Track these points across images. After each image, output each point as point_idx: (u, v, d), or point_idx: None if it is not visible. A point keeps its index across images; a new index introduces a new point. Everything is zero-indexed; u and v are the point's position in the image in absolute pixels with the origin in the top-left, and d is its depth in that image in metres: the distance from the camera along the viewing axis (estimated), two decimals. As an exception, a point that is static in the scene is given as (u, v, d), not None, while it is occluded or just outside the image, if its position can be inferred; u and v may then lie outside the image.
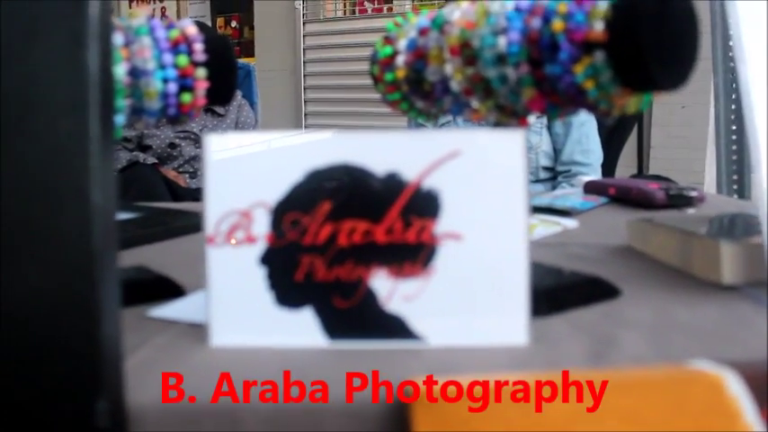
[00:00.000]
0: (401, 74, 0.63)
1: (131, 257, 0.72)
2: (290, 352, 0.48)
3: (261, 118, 2.58)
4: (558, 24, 0.50)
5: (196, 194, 2.20)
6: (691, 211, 1.02)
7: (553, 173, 1.77)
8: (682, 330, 0.53)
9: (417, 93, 0.63)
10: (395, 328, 0.49)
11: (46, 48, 0.38)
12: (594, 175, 1.70)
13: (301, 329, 0.49)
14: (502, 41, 0.53)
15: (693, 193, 1.04)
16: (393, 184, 0.48)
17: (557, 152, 1.75)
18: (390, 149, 0.49)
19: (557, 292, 0.58)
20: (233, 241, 0.49)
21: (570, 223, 0.94)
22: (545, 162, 1.74)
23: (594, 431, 0.39)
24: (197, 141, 2.37)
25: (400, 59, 0.62)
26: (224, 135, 0.51)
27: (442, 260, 0.48)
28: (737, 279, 0.62)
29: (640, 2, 0.48)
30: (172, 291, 0.63)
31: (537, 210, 1.01)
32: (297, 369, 0.46)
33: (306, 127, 3.96)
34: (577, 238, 0.86)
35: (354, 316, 0.49)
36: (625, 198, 1.10)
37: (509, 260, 0.49)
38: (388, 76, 0.64)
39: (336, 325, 0.49)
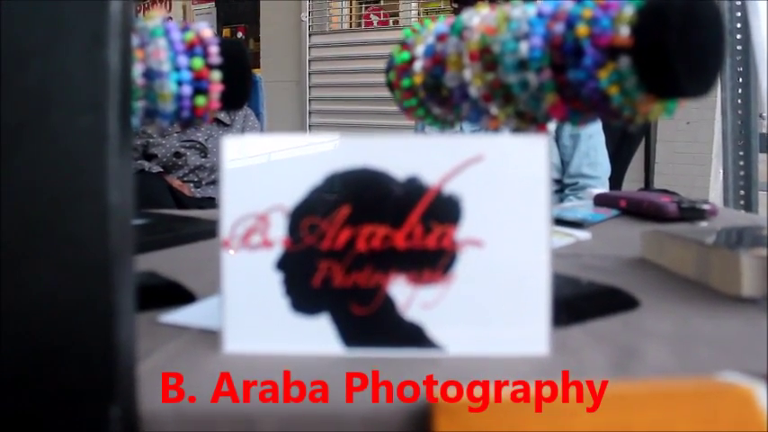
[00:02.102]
0: (419, 80, 0.62)
1: (140, 263, 0.71)
2: (305, 359, 0.47)
3: (266, 128, 2.58)
4: (582, 29, 0.49)
5: (201, 203, 2.20)
6: (703, 224, 1.01)
7: (560, 185, 1.76)
8: (704, 342, 0.52)
9: (435, 99, 0.62)
10: (413, 336, 0.48)
11: (66, 46, 0.38)
12: (602, 188, 1.69)
13: (317, 336, 0.48)
14: (524, 47, 0.52)
15: (706, 207, 1.03)
16: (413, 188, 0.47)
17: (564, 164, 1.74)
18: (411, 154, 0.48)
19: (575, 301, 0.57)
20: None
21: (583, 235, 0.93)
22: (552, 174, 1.73)
23: (624, 443, 0.38)
24: (202, 151, 2.37)
25: (418, 65, 0.62)
26: (241, 138, 0.50)
27: (463, 267, 0.47)
28: (756, 291, 0.61)
29: (666, 7, 0.47)
30: (183, 297, 0.62)
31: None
32: (313, 375, 0.45)
33: (310, 138, 3.95)
34: (591, 250, 0.85)
35: (372, 323, 0.48)
36: (636, 211, 1.09)
37: (530, 268, 0.48)
38: (405, 82, 0.63)
39: (353, 332, 0.48)
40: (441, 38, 0.61)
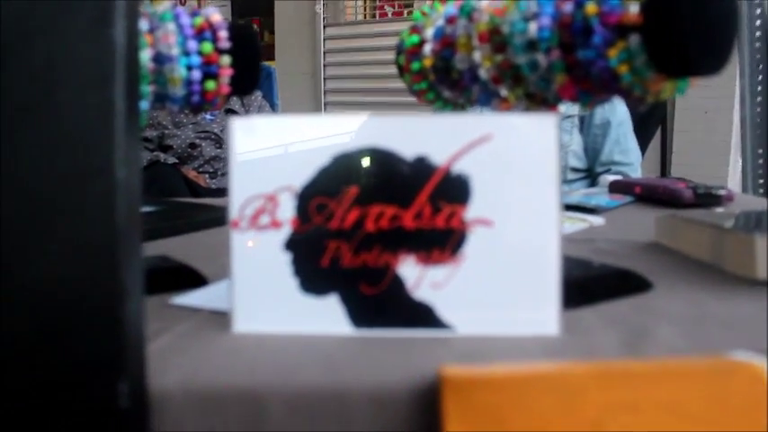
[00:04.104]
0: (428, 63, 0.62)
1: (153, 249, 0.72)
2: (314, 339, 0.47)
3: (281, 120, 2.58)
4: (591, 8, 0.49)
5: (216, 194, 2.21)
6: (719, 209, 1.00)
7: (582, 173, 1.74)
8: (716, 323, 0.51)
9: (445, 82, 0.62)
10: (422, 316, 0.48)
11: (73, 23, 0.38)
12: (635, 174, 1.68)
13: (326, 317, 0.48)
14: (533, 27, 0.52)
15: (722, 192, 1.02)
16: (422, 168, 0.47)
17: (587, 153, 1.72)
18: (419, 133, 0.48)
19: (587, 283, 0.57)
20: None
21: (596, 220, 0.93)
22: (574, 163, 1.71)
23: (634, 422, 0.37)
24: (217, 142, 2.37)
25: (427, 48, 0.61)
26: (250, 119, 0.50)
27: (472, 247, 0.47)
28: (771, 274, 0.60)
29: (677, -17, 0.46)
30: (195, 280, 0.63)
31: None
32: (321, 355, 0.45)
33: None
34: (605, 235, 0.85)
35: (381, 303, 0.48)
36: (651, 197, 1.08)
37: (541, 248, 0.47)
38: (415, 66, 0.63)
39: (362, 312, 0.48)
40: (450, 20, 0.60)
